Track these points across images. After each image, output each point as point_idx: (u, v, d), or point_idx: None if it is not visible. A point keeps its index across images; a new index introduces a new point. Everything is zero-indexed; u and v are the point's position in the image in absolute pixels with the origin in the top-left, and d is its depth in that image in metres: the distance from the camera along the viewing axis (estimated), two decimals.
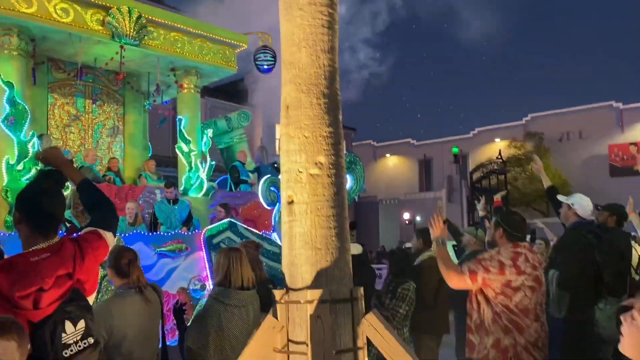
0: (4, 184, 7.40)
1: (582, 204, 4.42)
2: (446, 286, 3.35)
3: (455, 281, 3.15)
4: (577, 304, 3.28)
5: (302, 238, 1.98)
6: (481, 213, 6.55)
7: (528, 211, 25.41)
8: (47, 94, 9.36)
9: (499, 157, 20.96)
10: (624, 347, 1.46)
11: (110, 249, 2.38)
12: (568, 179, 30.21)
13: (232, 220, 7.82)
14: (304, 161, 2.02)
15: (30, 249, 2.10)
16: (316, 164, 2.02)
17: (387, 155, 40.20)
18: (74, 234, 2.40)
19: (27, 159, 7.52)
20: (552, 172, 30.64)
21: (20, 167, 7.47)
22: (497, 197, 6.48)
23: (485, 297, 3.14)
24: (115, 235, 2.47)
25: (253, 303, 3.34)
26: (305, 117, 2.04)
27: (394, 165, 39.84)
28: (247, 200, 9.62)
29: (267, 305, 2.03)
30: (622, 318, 1.48)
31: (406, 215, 29.75)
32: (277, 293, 2.00)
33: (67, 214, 7.06)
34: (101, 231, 2.33)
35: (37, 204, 2.17)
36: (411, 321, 4.32)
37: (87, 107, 9.95)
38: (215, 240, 7.26)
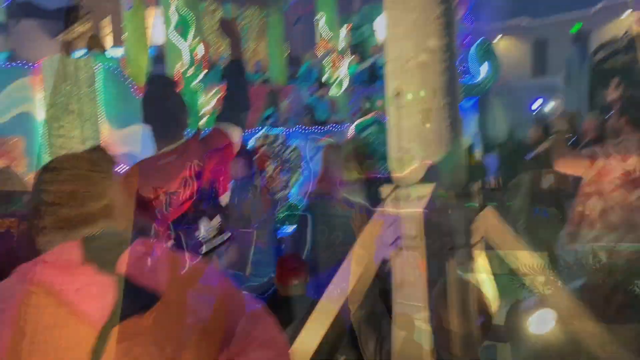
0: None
1: None
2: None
3: (570, 163, 2.90)
4: None
5: (411, 132, 1.87)
6: (613, 96, 5.85)
7: None
8: (198, 1, 9.58)
9: (628, 32, 18.59)
10: None
11: (237, 145, 2.32)
12: None
13: (376, 117, 8.09)
14: (412, 47, 1.85)
15: (159, 153, 2.19)
16: (425, 50, 1.84)
17: (498, 35, 37.29)
18: (201, 135, 2.34)
19: (196, 65, 7.99)
20: None
21: (190, 72, 7.90)
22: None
23: (598, 190, 2.88)
24: (242, 131, 2.36)
25: None
26: None
27: (503, 48, 37.02)
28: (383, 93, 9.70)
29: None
30: None
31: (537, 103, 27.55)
32: (386, 189, 1.94)
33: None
34: (227, 129, 2.28)
35: (147, 112, 2.23)
36: None
37: (233, 13, 10.29)
38: (363, 134, 7.57)
